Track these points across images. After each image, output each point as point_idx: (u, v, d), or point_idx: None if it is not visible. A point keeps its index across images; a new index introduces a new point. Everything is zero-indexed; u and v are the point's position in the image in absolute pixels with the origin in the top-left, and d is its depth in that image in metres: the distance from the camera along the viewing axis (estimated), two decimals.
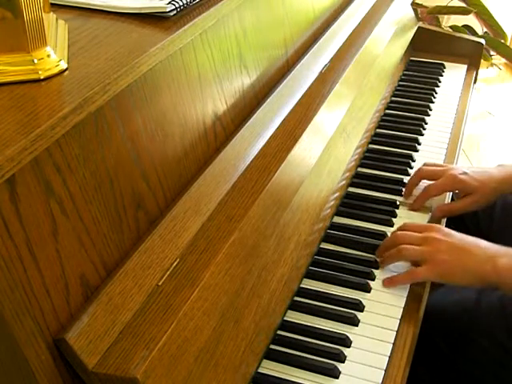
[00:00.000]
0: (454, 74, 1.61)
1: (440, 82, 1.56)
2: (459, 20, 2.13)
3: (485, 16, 2.08)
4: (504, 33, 2.11)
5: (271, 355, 0.81)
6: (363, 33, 1.28)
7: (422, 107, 1.43)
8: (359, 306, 0.89)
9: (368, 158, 1.23)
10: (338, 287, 0.92)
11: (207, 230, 0.73)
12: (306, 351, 0.82)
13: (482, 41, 1.68)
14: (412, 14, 1.66)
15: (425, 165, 1.13)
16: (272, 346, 0.82)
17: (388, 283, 0.92)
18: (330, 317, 0.87)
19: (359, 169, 1.20)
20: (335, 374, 0.79)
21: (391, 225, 1.05)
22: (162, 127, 0.72)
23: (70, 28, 0.72)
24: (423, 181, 1.11)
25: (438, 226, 0.95)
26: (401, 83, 1.54)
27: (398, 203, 1.10)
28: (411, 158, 1.24)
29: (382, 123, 1.36)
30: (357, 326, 0.86)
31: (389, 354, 0.82)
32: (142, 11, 0.76)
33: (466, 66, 1.64)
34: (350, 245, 1.00)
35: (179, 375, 0.61)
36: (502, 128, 2.81)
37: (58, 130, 0.55)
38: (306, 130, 0.92)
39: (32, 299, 0.54)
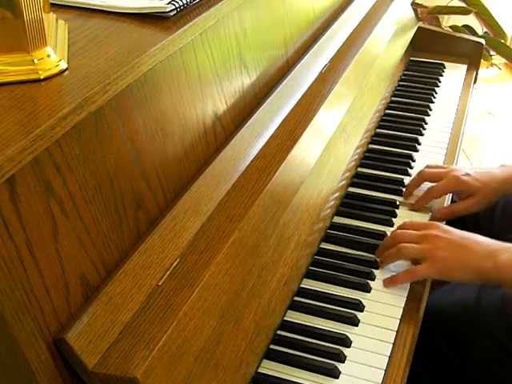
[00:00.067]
0: (453, 74, 1.61)
1: (440, 82, 1.56)
2: (459, 20, 2.13)
3: (485, 16, 2.08)
4: (504, 33, 2.11)
5: (271, 355, 0.81)
6: (363, 33, 1.28)
7: (421, 107, 1.43)
8: (359, 306, 0.89)
9: (368, 157, 1.23)
10: (338, 287, 0.92)
11: (207, 230, 0.73)
12: (306, 351, 0.82)
13: (482, 41, 1.68)
14: (412, 14, 1.66)
15: (427, 167, 1.13)
16: (272, 346, 0.82)
17: (388, 283, 0.92)
18: (330, 317, 0.87)
19: (359, 169, 1.20)
20: (335, 373, 0.79)
21: (391, 225, 1.05)
22: (162, 127, 0.72)
23: (70, 28, 0.72)
24: (425, 182, 1.11)
25: (437, 223, 0.95)
26: (401, 83, 1.54)
27: (397, 203, 1.10)
28: (411, 158, 1.24)
29: (382, 123, 1.36)
30: (357, 326, 0.86)
31: (389, 354, 0.82)
32: (142, 11, 0.76)
33: (465, 66, 1.64)
34: (350, 245, 1.00)
35: (179, 375, 0.61)
36: (502, 128, 2.81)
37: (58, 130, 0.55)
38: (306, 129, 0.92)
39: (32, 299, 0.54)
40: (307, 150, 0.91)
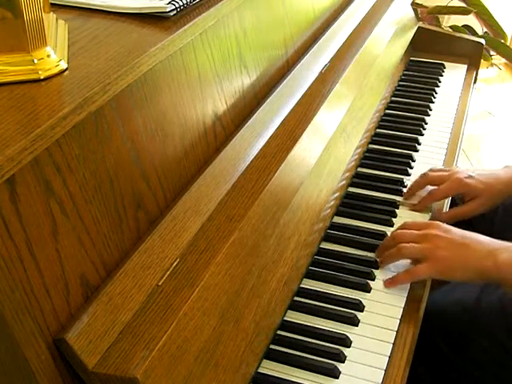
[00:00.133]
0: (453, 74, 1.61)
1: (440, 82, 1.56)
2: (459, 20, 2.13)
3: (485, 16, 2.08)
4: (504, 33, 2.11)
5: (271, 355, 0.81)
6: (363, 33, 1.28)
7: (421, 107, 1.43)
8: (359, 306, 0.89)
9: (368, 157, 1.23)
10: (338, 287, 0.92)
11: (207, 230, 0.73)
12: (306, 351, 0.82)
13: (482, 41, 1.68)
14: (412, 14, 1.66)
15: (430, 170, 1.12)
16: (272, 346, 0.82)
17: (389, 284, 0.92)
18: (330, 317, 0.87)
19: (359, 169, 1.20)
20: (335, 373, 0.79)
21: (391, 225, 1.05)
22: (162, 127, 0.72)
23: (70, 28, 0.72)
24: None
25: (437, 222, 0.95)
26: (401, 83, 1.54)
27: (397, 203, 1.10)
28: (411, 158, 1.24)
29: (382, 123, 1.36)
30: (357, 326, 0.86)
31: (389, 354, 0.82)
32: (142, 11, 0.76)
33: (465, 66, 1.64)
34: (350, 245, 1.00)
35: (179, 375, 0.61)
36: (502, 128, 2.81)
37: (58, 130, 0.55)
38: (306, 129, 0.92)
39: (32, 299, 0.54)
40: (307, 149, 0.91)
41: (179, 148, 0.76)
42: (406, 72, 1.60)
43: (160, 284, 0.65)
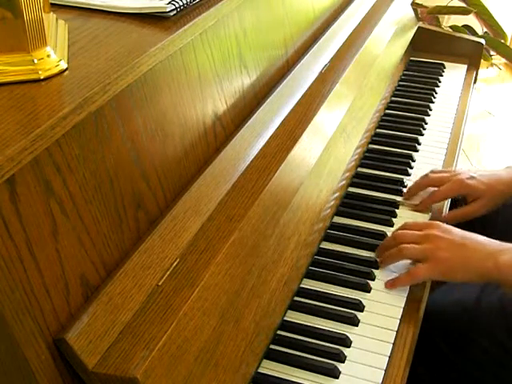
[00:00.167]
0: (453, 74, 1.61)
1: (440, 82, 1.56)
2: (459, 20, 2.13)
3: (485, 16, 2.08)
4: (504, 33, 2.11)
5: (271, 355, 0.81)
6: (363, 33, 1.28)
7: (421, 107, 1.43)
8: (359, 306, 0.89)
9: (368, 157, 1.23)
10: (338, 287, 0.92)
11: (207, 230, 0.73)
12: (306, 351, 0.82)
13: (482, 41, 1.68)
14: (412, 14, 1.66)
15: (432, 172, 1.12)
16: (272, 346, 0.82)
17: (390, 285, 0.92)
18: (330, 317, 0.87)
19: (359, 169, 1.20)
20: (335, 373, 0.79)
21: (391, 225, 1.05)
22: (162, 127, 0.72)
23: (70, 28, 0.72)
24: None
25: (437, 222, 0.95)
26: (401, 83, 1.54)
27: (397, 203, 1.10)
28: (411, 157, 1.24)
29: (381, 123, 1.36)
30: (357, 326, 0.86)
31: (389, 354, 0.82)
32: (142, 11, 0.76)
33: (465, 66, 1.64)
34: (350, 245, 1.00)
35: (179, 375, 0.61)
36: (502, 128, 2.81)
37: (58, 130, 0.55)
38: (306, 129, 0.92)
39: (32, 299, 0.54)
40: (307, 149, 0.91)
41: (179, 148, 0.76)
42: (405, 72, 1.60)
43: (160, 284, 0.65)
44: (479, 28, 2.21)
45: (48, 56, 0.61)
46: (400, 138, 1.30)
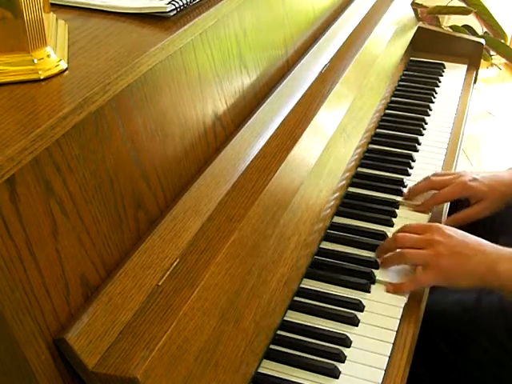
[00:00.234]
0: (454, 74, 1.61)
1: (440, 82, 1.56)
2: (459, 20, 2.13)
3: (485, 16, 2.08)
4: (504, 33, 2.11)
5: (271, 355, 0.81)
6: (363, 33, 1.28)
7: (421, 107, 1.43)
8: (359, 306, 0.89)
9: (368, 157, 1.23)
10: (338, 287, 0.92)
11: (207, 230, 0.73)
12: (306, 351, 0.82)
13: (482, 41, 1.68)
14: (412, 14, 1.66)
15: (434, 175, 1.12)
16: (272, 346, 0.82)
17: (392, 291, 0.92)
18: (330, 317, 0.87)
19: (359, 169, 1.20)
20: (335, 373, 0.79)
21: (391, 225, 1.05)
22: (162, 127, 0.72)
23: (70, 28, 0.72)
24: None
25: (438, 225, 0.95)
26: (401, 83, 1.54)
27: (398, 203, 1.10)
28: (411, 157, 1.24)
29: (381, 123, 1.36)
30: (357, 326, 0.86)
31: (389, 354, 0.82)
32: (142, 11, 0.76)
33: (465, 66, 1.64)
34: (350, 245, 1.00)
35: (179, 375, 0.61)
36: (502, 128, 2.81)
37: (58, 130, 0.55)
38: (306, 129, 0.92)
39: (32, 299, 0.54)
40: (307, 149, 0.91)
41: (179, 148, 0.76)
42: (405, 72, 1.60)
43: (160, 284, 0.65)
44: (479, 28, 2.21)
45: (48, 56, 0.61)
46: (400, 138, 1.30)
